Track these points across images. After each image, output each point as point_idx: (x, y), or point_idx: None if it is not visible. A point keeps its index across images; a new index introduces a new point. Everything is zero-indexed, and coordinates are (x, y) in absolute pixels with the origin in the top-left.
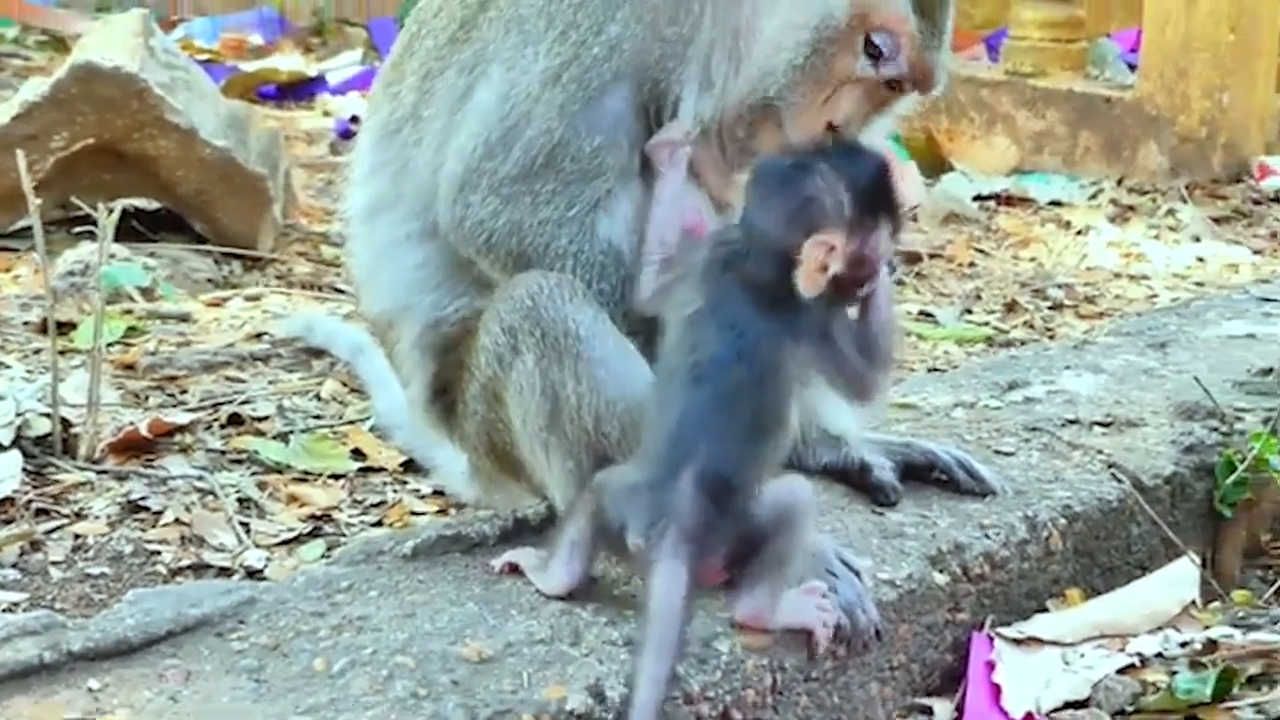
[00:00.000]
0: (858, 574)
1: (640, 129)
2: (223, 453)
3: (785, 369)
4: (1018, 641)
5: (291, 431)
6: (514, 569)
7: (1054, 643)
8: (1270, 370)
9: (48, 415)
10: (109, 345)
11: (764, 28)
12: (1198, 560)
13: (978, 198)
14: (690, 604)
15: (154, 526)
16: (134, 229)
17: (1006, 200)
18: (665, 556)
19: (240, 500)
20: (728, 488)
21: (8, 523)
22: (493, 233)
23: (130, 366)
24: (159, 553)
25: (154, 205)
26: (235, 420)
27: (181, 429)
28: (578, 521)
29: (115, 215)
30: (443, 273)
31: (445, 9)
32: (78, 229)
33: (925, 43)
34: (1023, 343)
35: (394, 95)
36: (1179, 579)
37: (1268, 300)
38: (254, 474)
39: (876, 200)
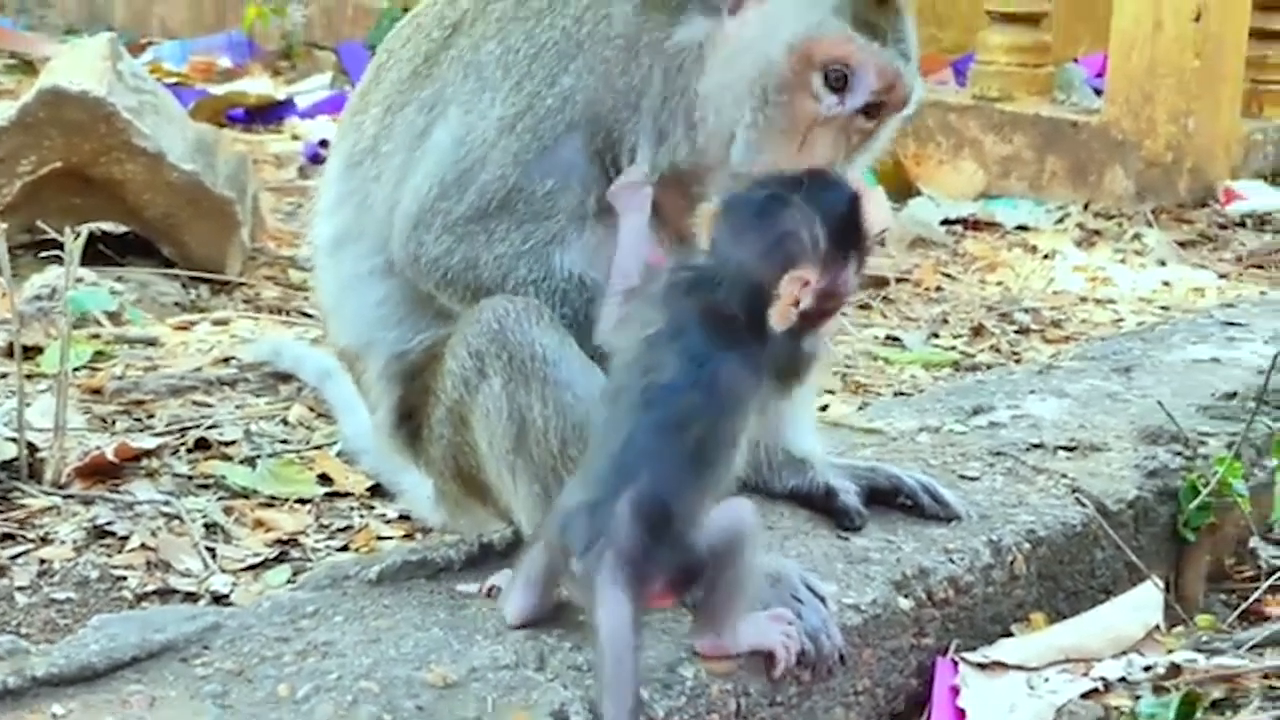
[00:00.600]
0: (823, 599)
1: (596, 173)
2: (189, 477)
3: (742, 400)
4: (982, 666)
5: (258, 456)
6: (489, 594)
7: (1018, 667)
8: (1234, 394)
9: (14, 440)
10: (76, 370)
11: (706, 90)
12: (1161, 585)
13: (945, 222)
14: (638, 629)
15: (120, 551)
16: (102, 253)
17: (974, 225)
18: (605, 583)
19: (206, 525)
20: (665, 514)
21: None
22: (448, 269)
23: (97, 391)
24: (125, 578)
25: (122, 229)
26: (202, 445)
27: (148, 454)
28: (534, 549)
29: (82, 239)
30: (404, 309)
31: (412, 41)
32: (45, 253)
33: (882, 58)
34: (989, 367)
35: (358, 126)
36: (1143, 603)
37: (1232, 324)
38: (220, 499)
39: (848, 234)
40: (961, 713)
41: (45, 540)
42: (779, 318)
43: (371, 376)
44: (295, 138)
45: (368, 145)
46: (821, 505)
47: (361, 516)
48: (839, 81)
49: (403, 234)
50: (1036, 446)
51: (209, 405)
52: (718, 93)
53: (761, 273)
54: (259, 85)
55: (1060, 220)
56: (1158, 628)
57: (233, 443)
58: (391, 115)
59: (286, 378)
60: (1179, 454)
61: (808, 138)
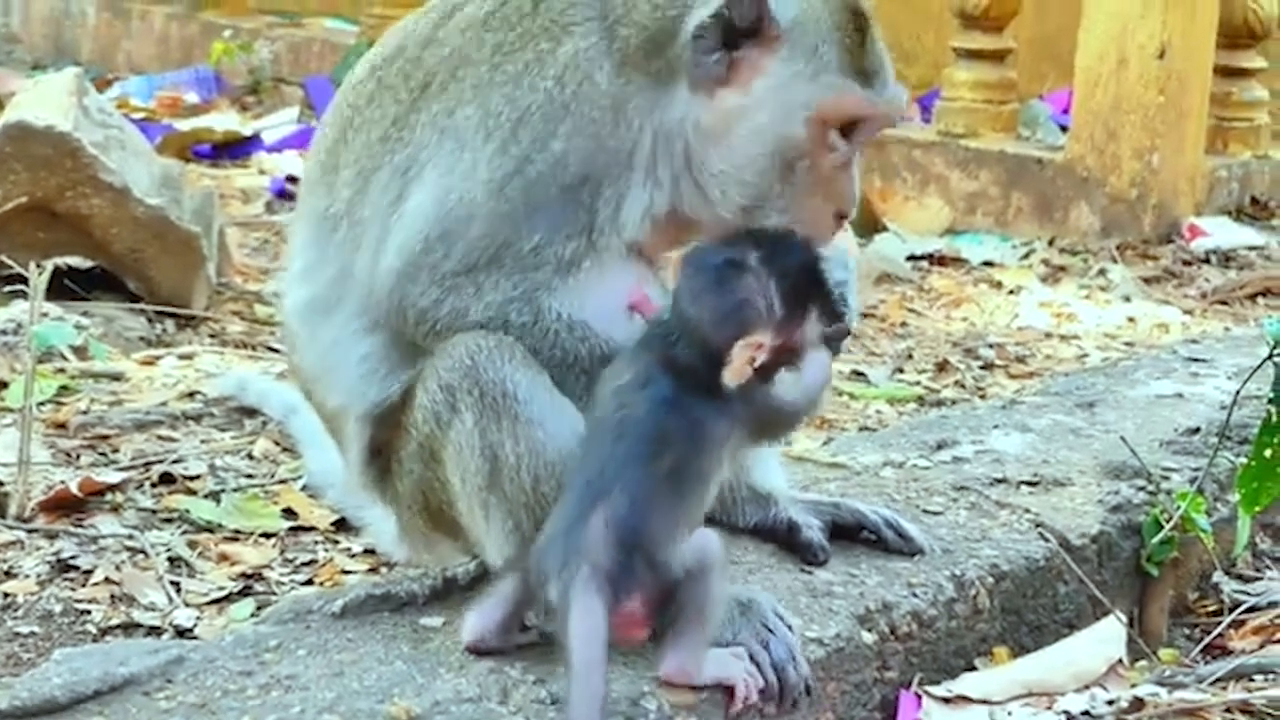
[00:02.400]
0: (791, 628)
1: (584, 220)
2: (154, 511)
3: (712, 442)
4: (946, 700)
5: (223, 490)
6: None
7: (982, 701)
8: (1197, 430)
9: None
10: (40, 404)
11: (713, 162)
12: (1124, 619)
13: (911, 258)
14: (607, 642)
15: (84, 585)
16: (67, 287)
17: (939, 260)
18: (579, 592)
19: (171, 559)
20: (637, 530)
21: None
22: (436, 320)
23: (62, 425)
24: (89, 612)
25: (87, 264)
26: (167, 479)
27: (112, 488)
28: (509, 577)
29: (47, 274)
30: (387, 364)
31: (378, 100)
32: (9, 288)
33: (885, 100)
34: (954, 402)
35: (330, 186)
36: (1105, 638)
37: (1196, 360)
38: (185, 533)
39: (806, 292)
40: None
41: (9, 574)
42: (732, 376)
43: (351, 426)
44: (262, 172)
45: (341, 209)
46: (785, 540)
47: (326, 551)
48: (850, 130)
49: (387, 287)
50: (1000, 481)
51: (174, 440)
52: (726, 162)
53: (716, 336)
54: (226, 120)
55: (1025, 256)
56: (1120, 661)
57: (197, 477)
58: (365, 179)
59: (252, 412)
60: (1142, 489)
61: (828, 186)
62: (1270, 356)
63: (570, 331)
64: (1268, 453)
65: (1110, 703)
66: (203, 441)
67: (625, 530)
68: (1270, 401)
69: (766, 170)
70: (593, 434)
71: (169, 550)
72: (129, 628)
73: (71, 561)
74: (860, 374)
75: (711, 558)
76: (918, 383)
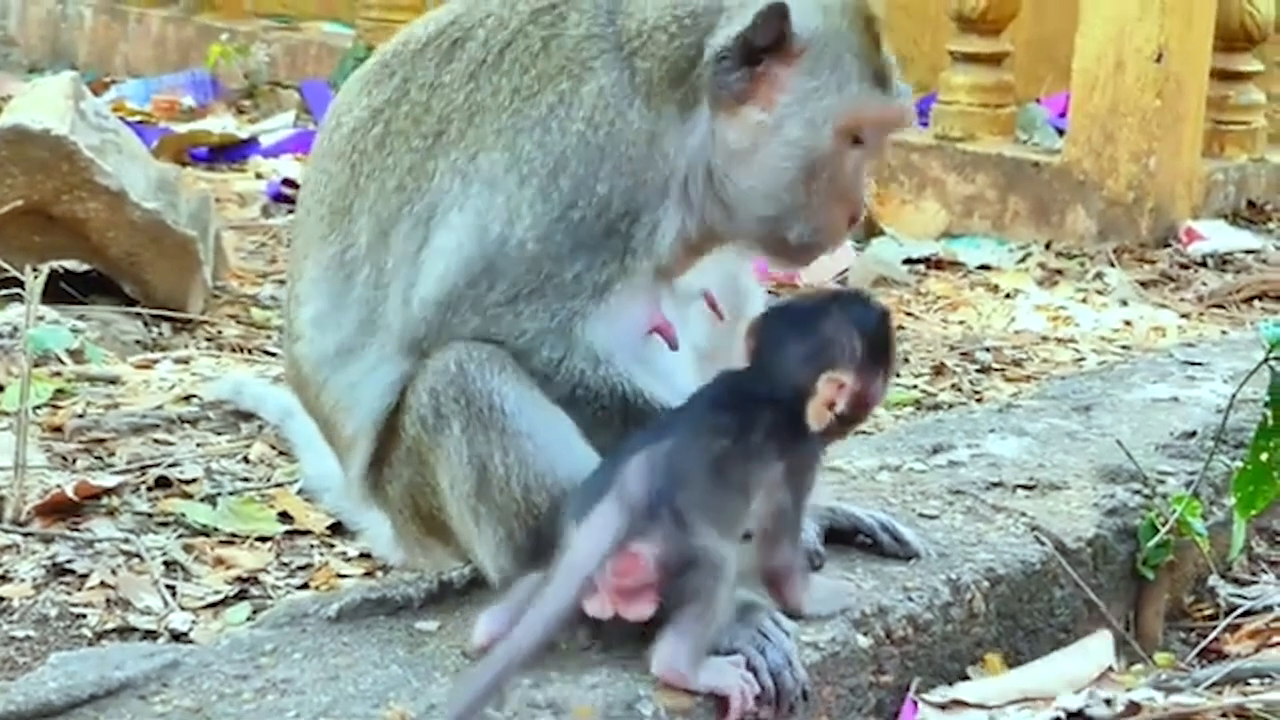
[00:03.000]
0: (788, 634)
1: (619, 246)
2: (150, 515)
3: (755, 462)
4: (942, 706)
5: (219, 494)
6: None
7: (979, 705)
8: (1193, 433)
9: None
10: (36, 408)
11: (740, 179)
12: (1118, 625)
13: (908, 261)
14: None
15: (79, 589)
16: (64, 291)
17: (936, 264)
18: (598, 509)
19: (166, 563)
20: (675, 478)
21: None
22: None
23: (58, 429)
24: (84, 616)
25: (84, 267)
26: (163, 483)
27: (108, 492)
28: (524, 579)
29: (43, 277)
30: (400, 385)
31: (389, 147)
32: (6, 291)
33: (899, 104)
34: (950, 406)
35: (344, 231)
36: (1096, 649)
37: (1192, 364)
38: (180, 537)
39: (880, 348)
40: None
41: (4, 578)
42: (815, 416)
43: (363, 440)
44: (259, 176)
45: (359, 254)
46: None
47: (322, 554)
48: (866, 135)
49: (426, 317)
50: (996, 485)
51: (170, 443)
52: (753, 179)
53: (801, 373)
54: (222, 124)
55: (1022, 260)
56: (1111, 668)
57: (193, 481)
58: (382, 228)
59: (248, 416)
60: (1138, 492)
61: (844, 191)
62: (1266, 360)
63: (595, 369)
64: (1264, 456)
65: (1108, 702)
66: (199, 445)
67: (664, 472)
68: (1266, 405)
69: (793, 183)
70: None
71: (165, 554)
72: (124, 632)
73: (67, 565)
74: None
75: (727, 567)
76: (914, 386)
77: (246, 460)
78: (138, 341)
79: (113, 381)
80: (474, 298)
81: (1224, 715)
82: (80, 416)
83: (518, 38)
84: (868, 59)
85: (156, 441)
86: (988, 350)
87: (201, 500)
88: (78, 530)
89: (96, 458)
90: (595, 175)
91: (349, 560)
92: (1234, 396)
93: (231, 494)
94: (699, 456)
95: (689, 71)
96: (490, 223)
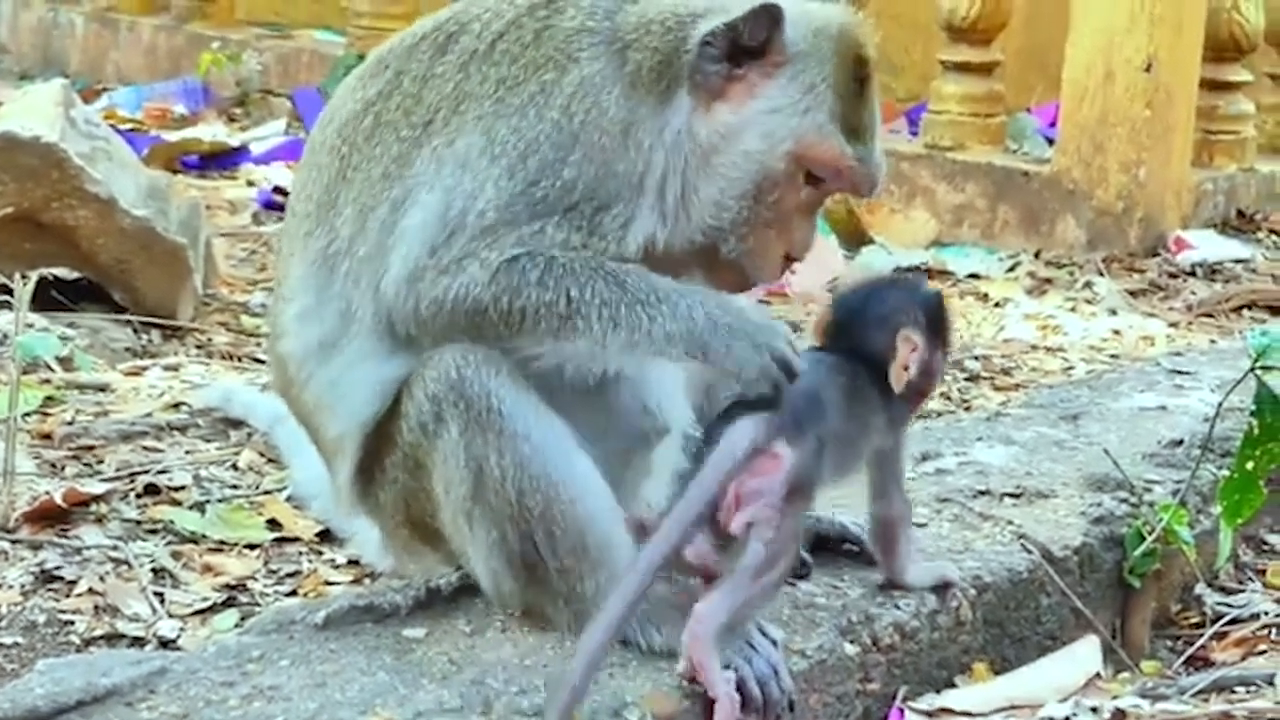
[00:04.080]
0: (774, 643)
1: (581, 223)
2: (138, 522)
3: (867, 417)
4: (929, 714)
5: (208, 501)
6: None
7: (966, 713)
8: (1180, 442)
9: None
10: (26, 415)
11: (697, 179)
12: (1105, 633)
13: (897, 270)
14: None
15: (67, 596)
16: (54, 298)
17: (926, 273)
18: (745, 420)
19: (155, 570)
20: (817, 399)
21: None
22: (451, 305)
23: (47, 436)
24: (72, 622)
25: (74, 275)
26: (151, 490)
27: (97, 499)
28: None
29: (31, 285)
30: (393, 387)
31: (379, 137)
32: None
33: (864, 164)
34: (939, 414)
35: (330, 225)
36: (1083, 655)
37: (1180, 373)
38: (169, 544)
39: (939, 320)
40: None
41: None
42: (896, 377)
43: (345, 445)
44: (250, 184)
45: (342, 248)
46: None
47: (310, 562)
48: (821, 179)
49: (400, 296)
50: (983, 493)
51: (159, 450)
52: (710, 183)
53: (880, 335)
54: (214, 131)
55: (1011, 269)
56: (1098, 675)
57: (182, 488)
58: (363, 217)
59: (237, 423)
60: (1125, 501)
61: (787, 227)
62: (1252, 369)
63: (583, 264)
64: (1249, 465)
65: (1094, 710)
66: (188, 452)
67: (814, 401)
68: (1252, 414)
69: (740, 195)
70: None
71: (153, 561)
72: (112, 638)
73: (55, 572)
74: None
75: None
76: None
77: (235, 467)
78: (127, 349)
79: (102, 389)
80: (436, 262)
81: None
82: (69, 424)
83: (511, 29)
84: (844, 99)
85: (146, 449)
86: (976, 359)
87: (190, 507)
88: (66, 537)
89: (85, 465)
90: (564, 160)
91: (337, 567)
92: (1220, 405)
93: (220, 501)
94: (833, 396)
95: (675, 59)
96: (455, 198)
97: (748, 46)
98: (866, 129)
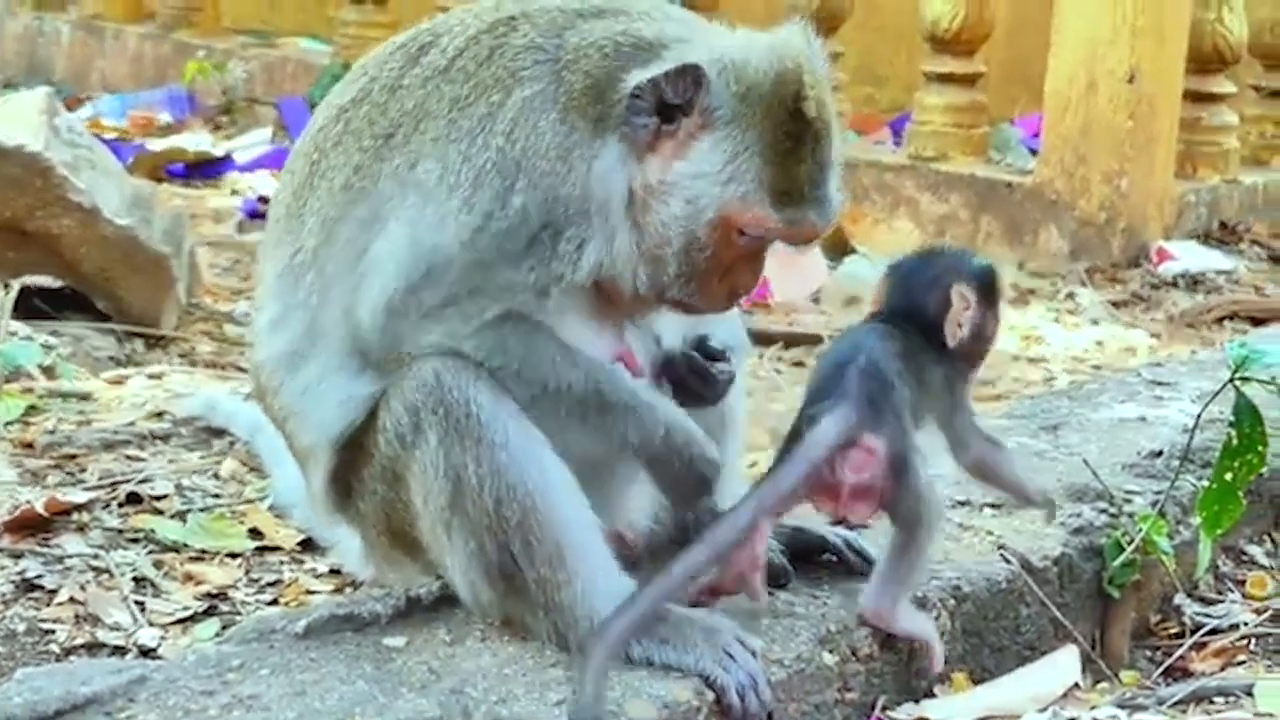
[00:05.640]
0: (754, 653)
1: (546, 256)
2: (120, 531)
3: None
4: None
5: (190, 510)
6: None
7: None
8: (1160, 453)
9: None
10: (8, 424)
11: (637, 236)
12: (1084, 643)
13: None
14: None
15: (48, 605)
16: (37, 307)
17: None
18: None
19: (136, 579)
20: (883, 372)
21: None
22: (424, 347)
23: (29, 445)
24: (53, 631)
25: (57, 284)
26: (133, 499)
27: (78, 508)
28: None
29: (14, 293)
30: (367, 404)
31: (343, 145)
32: None
33: (798, 221)
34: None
35: (295, 233)
36: (1063, 665)
37: (1160, 383)
38: (150, 553)
39: (990, 284)
40: None
41: None
42: (950, 331)
43: (318, 455)
44: (234, 193)
45: (307, 259)
46: None
47: (292, 571)
48: (751, 235)
49: (378, 327)
50: (963, 504)
51: (141, 459)
52: (643, 236)
53: (935, 291)
54: (198, 140)
55: None
56: (1077, 685)
57: (164, 497)
58: (328, 229)
59: (220, 432)
60: (1104, 511)
61: (731, 267)
62: (1231, 380)
63: (565, 355)
64: (1228, 476)
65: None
66: (170, 461)
67: (877, 376)
68: (1231, 425)
69: (675, 252)
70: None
71: (134, 570)
72: (93, 647)
73: (36, 581)
74: None
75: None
76: None
77: (217, 476)
78: (110, 358)
79: (85, 398)
80: (417, 302)
81: None
82: (51, 432)
83: (470, 45)
84: (775, 164)
85: (128, 458)
86: None
87: (172, 516)
88: (47, 546)
89: (68, 474)
90: (511, 188)
91: (319, 576)
92: (1199, 416)
93: (202, 510)
94: (890, 359)
95: (607, 93)
96: (421, 232)
97: (675, 104)
98: (800, 188)
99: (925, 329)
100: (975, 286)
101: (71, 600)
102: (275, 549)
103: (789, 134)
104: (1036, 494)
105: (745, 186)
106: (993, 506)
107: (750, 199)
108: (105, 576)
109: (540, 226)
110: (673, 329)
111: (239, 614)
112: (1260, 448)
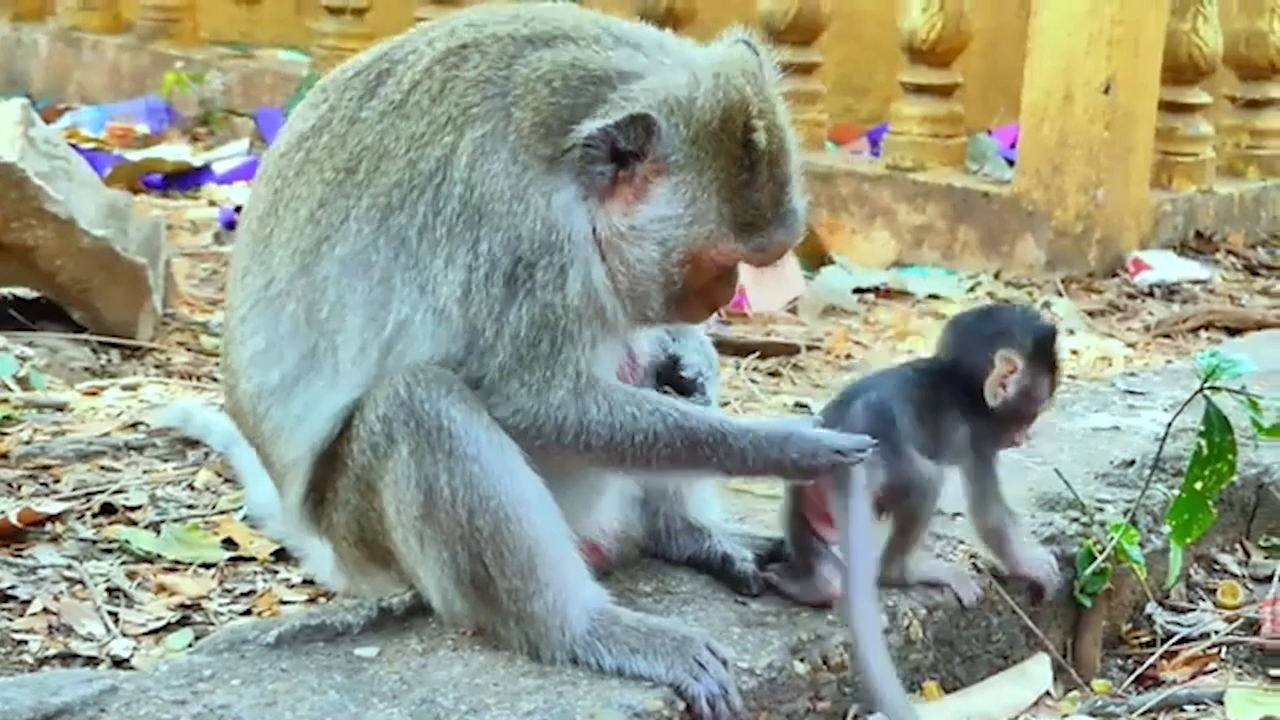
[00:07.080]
0: (724, 662)
1: (531, 291)
2: (94, 542)
3: (949, 422)
4: None
5: (164, 521)
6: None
7: None
8: (1132, 462)
9: None
10: None
11: (610, 259)
12: (1056, 652)
13: (857, 290)
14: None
15: (21, 615)
16: (12, 317)
17: (885, 293)
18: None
19: (109, 589)
20: (888, 415)
21: None
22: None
23: (3, 455)
24: (26, 642)
25: (33, 294)
26: (107, 509)
27: (52, 518)
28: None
29: None
30: (342, 414)
31: (305, 175)
32: None
33: (766, 248)
34: None
35: (264, 262)
36: (1034, 673)
37: (1133, 393)
38: (124, 563)
39: (1048, 351)
40: None
41: None
42: (990, 390)
43: (296, 469)
44: (212, 204)
45: (282, 289)
46: (719, 572)
47: (265, 581)
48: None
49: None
50: (935, 513)
51: (116, 470)
52: (612, 275)
53: (982, 350)
54: (176, 151)
55: (971, 289)
56: (1048, 694)
57: (138, 508)
58: (300, 261)
59: (194, 443)
60: (1076, 520)
61: (706, 287)
62: (1201, 390)
63: (634, 401)
64: (1199, 485)
65: None
66: (145, 472)
67: (877, 413)
68: (1201, 434)
69: (648, 288)
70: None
71: (108, 581)
72: (66, 658)
73: (9, 591)
74: (804, 406)
75: (935, 485)
76: None
77: (192, 487)
78: (86, 368)
79: (60, 408)
80: (466, 375)
81: None
82: (26, 443)
83: (424, 79)
84: (733, 200)
85: (103, 468)
86: None
87: (146, 527)
88: (20, 556)
89: (42, 484)
90: (478, 236)
91: (292, 587)
92: (1170, 425)
93: (176, 521)
94: (902, 401)
95: (559, 135)
96: (429, 300)
97: (629, 150)
98: (763, 214)
99: (967, 386)
100: (1026, 351)
101: (45, 611)
102: (249, 559)
103: (744, 166)
104: (1047, 580)
105: (708, 226)
106: (964, 515)
107: (715, 236)
108: (79, 587)
109: (512, 263)
110: (646, 345)
111: (213, 624)
112: (1230, 456)
